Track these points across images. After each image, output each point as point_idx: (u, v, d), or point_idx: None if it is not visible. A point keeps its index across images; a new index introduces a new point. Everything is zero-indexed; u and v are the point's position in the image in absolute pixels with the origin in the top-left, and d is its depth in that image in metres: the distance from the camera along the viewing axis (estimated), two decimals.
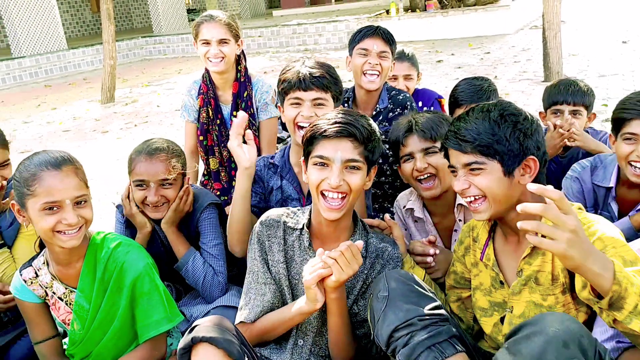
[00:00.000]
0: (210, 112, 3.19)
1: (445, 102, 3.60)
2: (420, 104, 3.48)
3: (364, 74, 2.80)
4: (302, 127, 2.23)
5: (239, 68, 3.17)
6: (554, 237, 1.30)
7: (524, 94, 6.94)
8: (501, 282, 1.78)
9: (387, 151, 2.83)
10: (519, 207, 1.33)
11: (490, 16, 13.10)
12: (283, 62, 12.17)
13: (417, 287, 1.66)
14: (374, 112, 2.90)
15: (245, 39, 14.28)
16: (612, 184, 2.34)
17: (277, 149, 3.48)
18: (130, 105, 9.37)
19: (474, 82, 2.87)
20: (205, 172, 3.39)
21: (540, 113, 2.96)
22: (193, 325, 1.69)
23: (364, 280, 1.92)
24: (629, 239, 1.93)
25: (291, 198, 2.38)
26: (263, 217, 2.01)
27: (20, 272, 2.05)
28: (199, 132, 3.25)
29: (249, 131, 2.31)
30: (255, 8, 22.28)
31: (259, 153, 3.21)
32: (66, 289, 2.02)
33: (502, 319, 1.79)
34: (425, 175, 2.22)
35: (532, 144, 1.65)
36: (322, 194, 1.81)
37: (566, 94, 2.79)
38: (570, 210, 1.32)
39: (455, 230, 2.30)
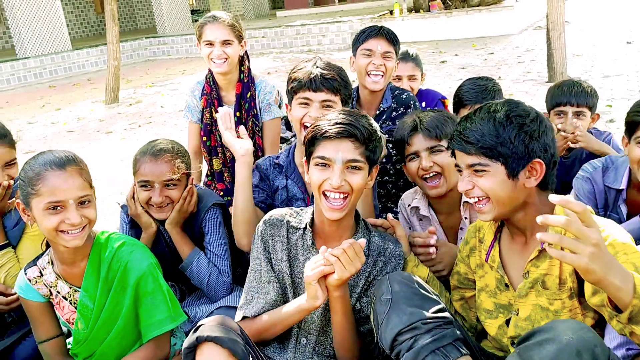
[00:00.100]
0: (214, 113, 3.20)
1: (449, 103, 3.59)
2: (423, 104, 3.48)
3: (368, 75, 2.79)
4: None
5: (242, 69, 3.18)
6: (577, 251, 1.27)
7: (528, 94, 6.92)
8: (506, 285, 1.77)
9: (391, 150, 2.83)
10: (539, 219, 1.29)
11: (494, 17, 13.08)
12: (287, 63, 12.18)
13: (420, 289, 1.65)
14: (378, 112, 2.90)
15: (248, 40, 14.28)
16: (623, 186, 2.31)
17: (281, 148, 3.48)
18: (134, 105, 9.40)
19: (479, 82, 2.87)
20: (209, 173, 3.39)
21: (543, 114, 2.95)
22: (198, 324, 1.69)
23: (367, 278, 1.92)
24: (638, 239, 1.92)
25: (296, 198, 2.39)
26: (266, 216, 2.02)
27: (25, 271, 2.06)
28: (202, 133, 3.25)
29: (242, 127, 2.34)
30: (259, 9, 22.30)
31: (263, 154, 3.22)
32: (70, 288, 2.02)
33: (507, 322, 1.77)
34: (431, 174, 2.21)
35: (538, 146, 1.61)
36: (324, 194, 1.82)
37: (569, 95, 2.78)
38: (593, 223, 1.29)
39: (461, 229, 2.30)
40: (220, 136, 3.18)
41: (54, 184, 1.80)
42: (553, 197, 1.30)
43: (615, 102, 6.14)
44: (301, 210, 2.04)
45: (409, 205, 2.42)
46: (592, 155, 2.76)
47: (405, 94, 2.96)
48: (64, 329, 2.17)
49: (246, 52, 3.20)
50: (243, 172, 2.25)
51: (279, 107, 3.24)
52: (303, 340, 1.94)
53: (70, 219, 1.81)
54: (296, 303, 1.82)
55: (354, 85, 3.10)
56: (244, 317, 1.94)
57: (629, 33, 11.16)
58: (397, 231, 2.06)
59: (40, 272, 2.04)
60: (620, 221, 2.27)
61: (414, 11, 14.57)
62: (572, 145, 2.73)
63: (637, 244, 1.59)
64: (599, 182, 2.37)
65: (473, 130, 1.63)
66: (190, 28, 17.88)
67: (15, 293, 2.32)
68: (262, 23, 17.45)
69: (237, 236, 2.28)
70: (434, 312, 1.59)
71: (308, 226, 1.95)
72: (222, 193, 3.27)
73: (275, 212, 2.02)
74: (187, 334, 2.24)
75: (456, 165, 1.74)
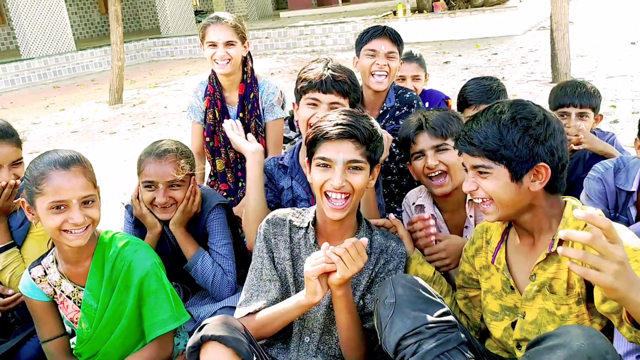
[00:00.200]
0: (217, 114, 3.20)
1: (452, 103, 3.59)
2: (427, 104, 3.48)
3: (372, 75, 2.79)
4: None
5: (246, 70, 3.18)
6: (601, 269, 1.25)
7: (532, 95, 6.91)
8: (512, 288, 1.75)
9: (394, 150, 2.83)
10: (561, 233, 1.27)
11: (498, 17, 13.06)
12: (290, 63, 12.19)
13: (424, 292, 1.64)
14: (381, 111, 2.90)
15: (252, 40, 14.34)
16: (634, 188, 2.28)
17: (285, 149, 3.49)
18: (138, 106, 9.42)
19: (483, 82, 2.85)
20: (212, 174, 3.40)
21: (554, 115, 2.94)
22: (202, 324, 1.70)
23: (369, 276, 1.93)
24: None
25: (300, 198, 2.39)
26: (269, 215, 2.03)
27: (29, 270, 2.07)
28: (205, 134, 3.26)
29: (250, 135, 2.35)
30: (262, 9, 22.33)
31: (266, 154, 3.22)
32: (74, 287, 2.03)
33: (513, 324, 1.76)
34: (436, 173, 2.21)
35: (543, 150, 1.58)
36: (326, 194, 1.83)
37: (573, 96, 2.77)
38: (618, 240, 1.26)
39: (466, 227, 2.30)
40: (223, 137, 3.19)
41: (57, 184, 1.81)
42: (578, 213, 1.26)
43: (619, 103, 6.12)
44: (303, 210, 2.05)
45: (414, 203, 2.42)
46: (596, 156, 2.75)
47: (409, 93, 2.96)
48: (68, 329, 2.17)
49: (249, 52, 3.20)
50: (255, 170, 2.28)
51: (282, 107, 3.25)
52: (306, 339, 1.94)
53: (73, 219, 1.82)
54: (295, 299, 1.81)
55: None
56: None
57: (633, 34, 11.12)
58: (399, 231, 2.06)
59: (45, 271, 2.05)
60: (628, 223, 2.25)
61: (417, 12, 14.55)
62: (574, 147, 2.72)
63: None
64: (611, 183, 2.34)
65: (477, 131, 1.62)
66: (193, 29, 17.91)
67: (14, 293, 2.34)
68: (265, 24, 17.46)
69: (248, 235, 2.29)
70: (438, 316, 1.57)
71: (310, 225, 1.95)
72: (225, 193, 3.27)
73: (278, 212, 2.03)
74: (190, 334, 2.25)
75: (463, 164, 1.74)
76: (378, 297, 1.70)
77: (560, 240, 1.60)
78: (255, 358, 1.67)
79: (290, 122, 3.62)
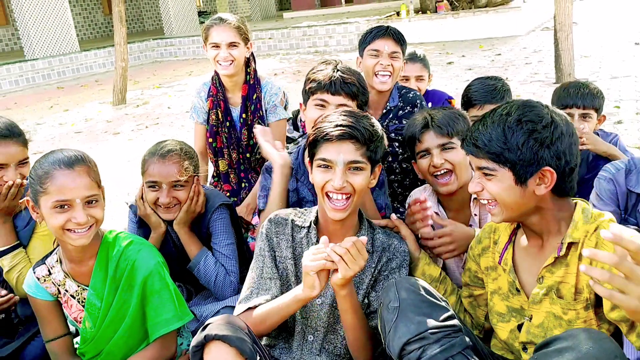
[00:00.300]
0: (220, 115, 3.20)
1: (456, 103, 3.59)
2: (430, 104, 3.48)
3: (376, 75, 2.79)
4: None
5: (249, 70, 3.18)
6: (627, 292, 1.21)
7: (535, 95, 6.90)
8: (517, 289, 1.74)
9: (397, 149, 2.83)
10: (585, 252, 1.23)
11: (502, 18, 13.05)
12: (293, 64, 12.20)
13: (428, 296, 1.63)
14: (384, 110, 2.90)
15: (255, 41, 14.36)
16: None
17: (288, 149, 3.49)
18: (141, 107, 9.43)
19: (488, 81, 2.84)
20: (215, 174, 3.40)
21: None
22: (206, 323, 1.70)
23: (372, 274, 1.93)
24: None
25: (306, 200, 2.39)
26: (271, 215, 2.04)
27: (33, 269, 2.07)
28: (208, 134, 3.26)
29: (278, 142, 2.33)
30: (265, 10, 22.35)
31: None
32: (78, 286, 2.04)
33: (519, 327, 1.75)
34: (442, 171, 2.21)
35: (548, 154, 1.55)
36: (327, 195, 1.84)
37: (576, 97, 2.76)
38: None
39: (471, 225, 2.29)
40: (226, 137, 3.20)
41: (61, 183, 1.81)
42: (605, 234, 1.22)
43: (623, 104, 6.11)
44: (306, 210, 2.06)
45: None
46: (599, 157, 2.74)
47: (412, 92, 2.96)
48: (72, 328, 2.18)
49: (252, 53, 3.20)
50: (281, 183, 2.28)
51: (285, 108, 3.25)
52: (310, 338, 1.95)
53: (76, 218, 1.83)
54: (292, 293, 1.81)
55: None
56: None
57: (637, 34, 11.10)
58: (402, 231, 2.06)
59: (49, 270, 2.05)
60: (637, 225, 2.24)
61: (420, 12, 14.54)
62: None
63: None
64: (622, 184, 2.32)
65: (482, 133, 1.61)
66: (197, 29, 17.94)
67: (7, 294, 2.34)
68: (268, 24, 17.48)
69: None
70: (442, 320, 1.57)
71: (312, 224, 1.96)
72: (228, 194, 3.28)
73: (280, 212, 2.05)
74: (193, 334, 2.25)
75: (471, 165, 1.73)
76: (382, 300, 1.69)
77: (569, 244, 1.59)
78: (258, 357, 1.67)
79: (294, 122, 3.62)
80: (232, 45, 3.03)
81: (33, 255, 2.43)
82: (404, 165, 2.88)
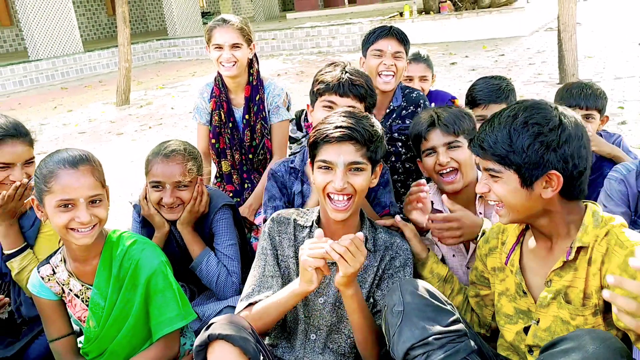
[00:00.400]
0: (223, 116, 3.21)
1: (459, 103, 3.58)
2: (433, 105, 3.48)
3: (379, 75, 2.79)
4: None
5: (252, 71, 3.18)
6: None
7: (539, 96, 6.89)
8: (524, 292, 1.72)
9: (400, 149, 2.83)
10: (609, 279, 1.21)
11: (505, 18, 13.03)
12: (296, 65, 12.21)
13: (432, 300, 1.62)
14: (388, 110, 2.90)
15: (258, 42, 14.38)
16: None
17: (291, 148, 3.49)
18: (145, 107, 9.45)
19: (492, 81, 2.82)
20: (218, 175, 3.41)
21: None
22: (209, 322, 1.70)
23: (375, 273, 1.94)
24: None
25: None
26: (274, 214, 2.05)
27: (38, 269, 2.08)
28: (211, 135, 3.26)
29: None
30: (269, 11, 22.36)
31: (271, 156, 3.23)
32: (82, 285, 2.04)
33: (525, 329, 1.74)
34: (448, 170, 2.21)
35: (555, 157, 1.53)
36: (329, 196, 1.84)
37: (578, 98, 2.74)
38: None
39: None
40: (228, 138, 3.20)
41: (65, 182, 1.82)
42: (634, 262, 1.20)
43: (627, 104, 6.09)
44: (308, 210, 2.07)
45: None
46: (603, 158, 2.73)
47: (415, 92, 2.96)
48: (76, 328, 2.18)
49: (255, 54, 3.21)
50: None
51: (287, 109, 3.25)
52: (312, 337, 1.95)
53: (80, 217, 1.83)
54: (290, 288, 1.81)
55: None
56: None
57: None
58: (406, 233, 2.06)
59: (53, 270, 2.06)
60: None
61: (424, 13, 14.53)
62: None
63: None
64: (633, 186, 2.31)
65: (489, 135, 1.60)
66: (200, 30, 17.96)
67: (2, 298, 2.35)
68: (272, 25, 17.49)
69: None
70: (447, 325, 1.56)
71: (314, 224, 1.97)
72: (231, 194, 3.28)
73: (283, 211, 2.06)
74: (196, 334, 2.25)
75: (479, 166, 1.73)
76: (386, 303, 1.69)
77: (578, 248, 1.57)
78: (262, 357, 1.68)
79: (298, 123, 3.62)
80: (235, 46, 3.03)
81: (40, 255, 2.43)
82: (407, 165, 2.88)
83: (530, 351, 1.73)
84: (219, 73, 3.19)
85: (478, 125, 2.37)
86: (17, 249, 2.36)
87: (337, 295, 1.92)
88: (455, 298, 2.06)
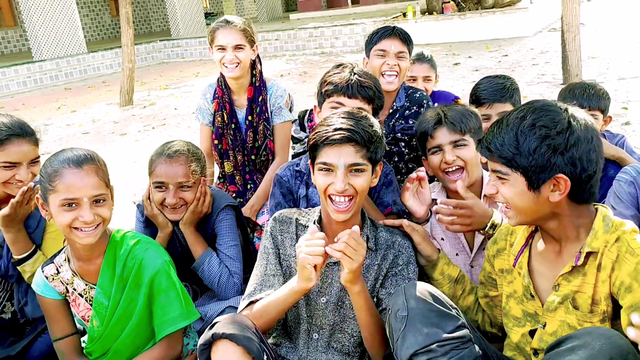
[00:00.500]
0: (225, 117, 3.21)
1: (462, 103, 3.58)
2: (436, 105, 3.48)
3: (382, 75, 2.79)
4: None
5: (254, 72, 3.18)
6: None
7: (543, 97, 6.87)
8: (531, 295, 1.71)
9: (403, 149, 2.82)
10: (634, 319, 1.21)
11: (508, 19, 13.01)
12: (299, 65, 12.21)
13: (437, 305, 1.61)
14: (391, 110, 2.90)
15: (262, 42, 14.39)
16: None
17: (294, 148, 3.49)
18: (148, 108, 9.46)
19: (496, 80, 2.81)
20: (221, 175, 3.41)
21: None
22: (213, 321, 1.70)
23: (377, 272, 1.94)
24: None
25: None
26: (276, 214, 2.06)
27: (42, 268, 2.09)
28: (213, 136, 3.26)
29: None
30: (272, 11, 22.40)
31: (273, 157, 3.23)
32: (86, 285, 2.05)
33: (531, 332, 1.72)
34: (453, 168, 2.21)
35: (562, 160, 1.50)
36: (330, 198, 1.84)
37: (581, 98, 2.73)
38: None
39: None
40: (231, 139, 3.20)
41: (69, 182, 1.83)
42: (636, 319, 1.21)
43: (631, 105, 6.08)
44: (309, 210, 2.07)
45: None
46: (607, 160, 2.72)
47: (419, 93, 2.96)
48: (79, 327, 2.19)
49: (258, 55, 3.20)
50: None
51: (290, 110, 3.25)
52: (315, 336, 1.95)
53: (83, 217, 1.84)
54: (288, 286, 1.81)
55: None
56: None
57: None
58: (415, 238, 2.02)
59: (57, 269, 2.06)
60: None
61: (427, 13, 14.52)
62: None
63: None
64: None
65: (496, 137, 1.58)
66: (203, 31, 17.99)
67: None
68: (275, 26, 17.51)
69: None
70: (451, 331, 1.55)
71: (316, 224, 1.97)
72: (234, 195, 3.28)
73: (285, 211, 2.07)
74: (199, 334, 2.26)
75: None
76: (390, 306, 1.68)
77: (587, 253, 1.55)
78: (265, 356, 1.68)
79: (301, 123, 3.63)
80: (238, 47, 3.03)
81: (49, 255, 2.44)
82: (410, 166, 2.88)
83: (536, 354, 1.72)
84: (221, 74, 3.19)
85: (484, 125, 2.37)
86: (27, 254, 2.37)
87: (340, 295, 1.92)
88: (466, 298, 2.05)
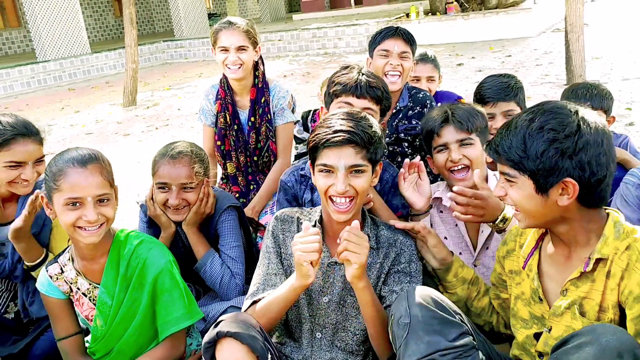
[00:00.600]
0: (228, 118, 3.21)
1: (465, 103, 3.57)
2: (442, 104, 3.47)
3: (385, 75, 2.79)
4: None
5: (257, 74, 3.18)
6: None
7: (546, 97, 6.86)
8: (540, 299, 1.69)
9: (407, 149, 2.82)
10: None
11: (512, 19, 12.99)
12: (302, 66, 12.22)
13: (440, 312, 1.59)
14: (394, 110, 2.90)
15: (265, 43, 14.40)
16: None
17: (297, 149, 3.49)
18: (151, 108, 9.48)
19: (500, 79, 2.78)
20: (223, 176, 3.41)
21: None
22: (218, 320, 1.71)
23: (379, 270, 1.94)
24: None
25: None
26: (278, 213, 2.06)
27: (46, 268, 2.09)
28: (216, 137, 3.26)
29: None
30: (275, 12, 22.41)
31: (275, 158, 3.23)
32: (90, 284, 2.05)
33: (535, 336, 1.71)
34: (459, 167, 2.21)
35: (570, 164, 1.47)
36: (331, 199, 1.85)
37: (584, 98, 2.72)
38: None
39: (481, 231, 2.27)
40: (234, 140, 3.20)
41: (74, 181, 1.84)
42: None
43: (635, 105, 6.06)
44: (311, 209, 2.08)
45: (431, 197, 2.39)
46: None
47: (422, 93, 2.96)
48: (83, 327, 2.19)
49: (261, 57, 3.20)
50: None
51: (292, 111, 3.25)
52: (318, 335, 1.96)
53: (87, 216, 1.85)
54: (288, 284, 1.82)
55: None
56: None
57: None
58: (430, 241, 1.98)
59: (61, 268, 2.07)
60: None
61: (430, 14, 14.52)
62: None
63: None
64: None
65: (504, 139, 1.57)
66: (207, 31, 18.00)
67: None
68: (278, 26, 17.52)
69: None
70: (454, 339, 1.54)
71: (317, 223, 1.97)
72: (237, 195, 3.28)
73: (287, 210, 2.07)
74: (202, 334, 2.26)
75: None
76: (393, 312, 1.68)
77: (597, 259, 1.53)
78: (270, 355, 1.68)
79: (304, 123, 3.63)
80: (240, 49, 3.03)
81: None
82: None
83: (541, 356, 1.71)
84: (224, 75, 3.19)
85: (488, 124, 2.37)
86: (40, 260, 2.37)
87: (342, 294, 1.93)
88: (481, 300, 2.03)
